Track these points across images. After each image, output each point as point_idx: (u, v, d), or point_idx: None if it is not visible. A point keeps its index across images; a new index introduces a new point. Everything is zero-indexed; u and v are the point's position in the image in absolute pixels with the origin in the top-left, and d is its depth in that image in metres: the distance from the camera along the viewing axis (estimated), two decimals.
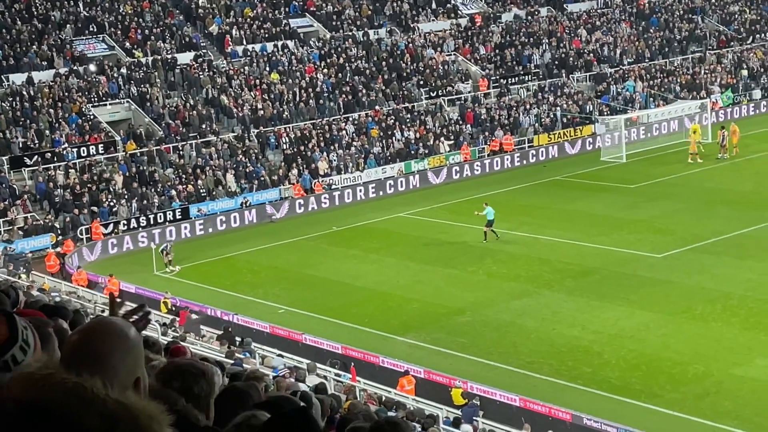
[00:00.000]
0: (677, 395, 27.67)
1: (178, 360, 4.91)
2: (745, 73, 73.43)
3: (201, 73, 59.51)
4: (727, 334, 31.69)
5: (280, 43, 64.00)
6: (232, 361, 21.38)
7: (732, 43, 77.79)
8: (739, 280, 36.44)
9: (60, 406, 2.67)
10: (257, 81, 60.14)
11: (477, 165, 58.77)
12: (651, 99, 68.20)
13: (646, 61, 72.98)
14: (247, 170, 53.41)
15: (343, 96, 60.80)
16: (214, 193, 51.64)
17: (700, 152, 56.68)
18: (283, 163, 54.86)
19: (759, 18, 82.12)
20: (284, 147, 56.03)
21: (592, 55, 71.65)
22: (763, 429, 25.37)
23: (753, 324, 32.31)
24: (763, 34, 79.88)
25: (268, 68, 61.52)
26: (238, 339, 30.36)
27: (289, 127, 57.35)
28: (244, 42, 63.49)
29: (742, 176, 52.75)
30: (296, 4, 68.11)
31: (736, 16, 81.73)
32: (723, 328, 32.16)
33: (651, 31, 76.57)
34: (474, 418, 24.99)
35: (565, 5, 77.59)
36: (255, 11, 66.16)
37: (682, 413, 26.54)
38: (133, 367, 3.13)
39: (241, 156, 54.32)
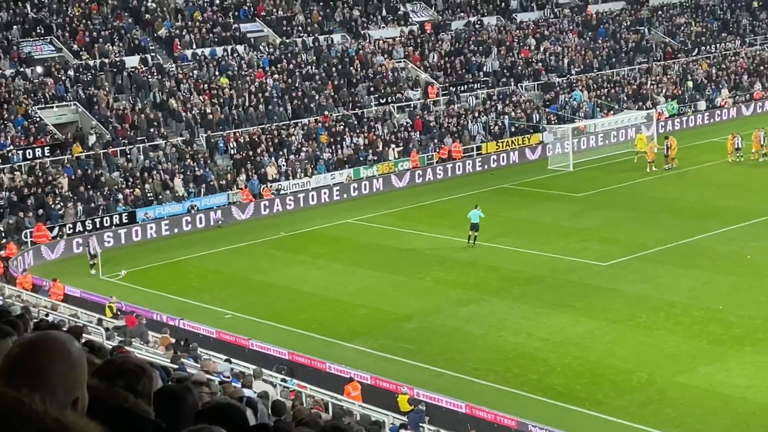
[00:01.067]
0: (621, 402, 27.93)
1: (117, 358, 4.89)
2: (690, 84, 74.34)
3: (149, 76, 59.14)
4: (671, 342, 32.04)
5: (229, 48, 63.79)
6: (176, 366, 21.27)
7: (678, 55, 78.72)
8: (683, 289, 36.87)
9: None
10: (206, 85, 59.89)
11: (426, 172, 58.93)
12: (598, 109, 68.82)
13: (594, 71, 73.65)
14: (196, 174, 53.15)
15: (293, 101, 60.72)
16: (161, 197, 51.33)
17: (641, 161, 57.31)
18: (231, 168, 54.67)
19: (704, 30, 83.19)
20: (233, 152, 55.83)
21: (540, 64, 72.17)
22: None
23: (696, 332, 32.70)
24: (708, 47, 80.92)
25: (217, 72, 61.29)
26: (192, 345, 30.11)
27: (238, 132, 57.17)
28: (194, 46, 63.21)
29: (687, 186, 53.39)
30: (246, 9, 67.93)
31: (682, 28, 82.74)
32: (667, 336, 32.51)
33: (598, 41, 77.29)
34: (420, 424, 25.06)
35: (514, 15, 78.09)
36: (205, 15, 65.90)
37: (626, 420, 26.79)
38: (72, 385, 3.09)
39: (189, 160, 54.04)
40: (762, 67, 78.90)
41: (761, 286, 36.72)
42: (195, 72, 60.80)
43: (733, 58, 79.68)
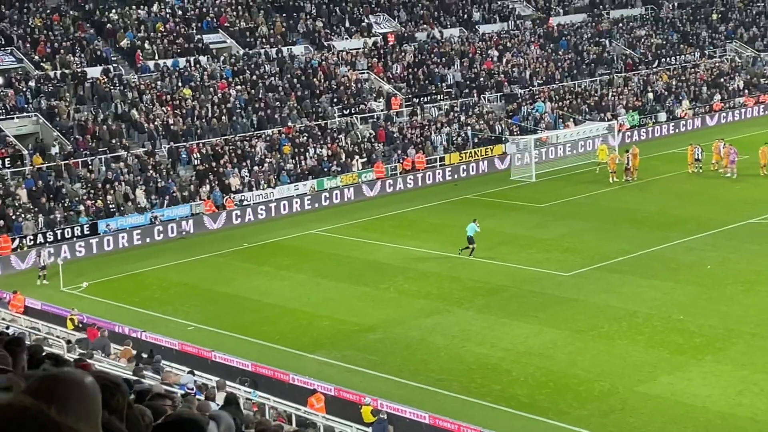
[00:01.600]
0: (584, 412, 28.07)
1: (92, 373, 4.88)
2: (651, 96, 74.98)
3: (111, 87, 58.87)
4: (633, 351, 32.25)
5: (192, 59, 63.62)
6: (136, 378, 21.16)
7: (639, 67, 79.38)
8: (645, 299, 37.13)
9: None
10: (169, 96, 59.69)
11: (389, 183, 59.03)
12: (560, 120, 69.23)
13: (556, 82, 74.11)
14: (158, 186, 52.93)
15: (256, 112, 60.65)
16: (123, 208, 51.07)
17: (603, 172, 57.76)
18: (194, 179, 54.50)
19: (664, 43, 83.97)
20: (196, 163, 55.67)
21: (503, 75, 72.53)
22: None
23: (657, 342, 32.93)
24: (668, 59, 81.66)
25: (180, 83, 61.10)
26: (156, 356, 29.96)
27: (201, 143, 57.01)
28: (156, 57, 62.99)
29: (648, 197, 53.79)
30: (209, 20, 67.80)
31: (643, 40, 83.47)
32: (628, 346, 32.72)
33: (560, 53, 77.80)
34: None
35: (476, 26, 78.46)
36: (167, 26, 65.70)
37: (589, 430, 26.91)
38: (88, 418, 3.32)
39: (151, 171, 53.81)
40: (721, 79, 79.72)
41: (721, 296, 37.07)
42: (157, 83, 60.59)
43: (692, 69, 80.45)
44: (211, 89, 61.35)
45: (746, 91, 79.46)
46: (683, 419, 27.23)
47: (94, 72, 59.85)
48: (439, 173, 61.11)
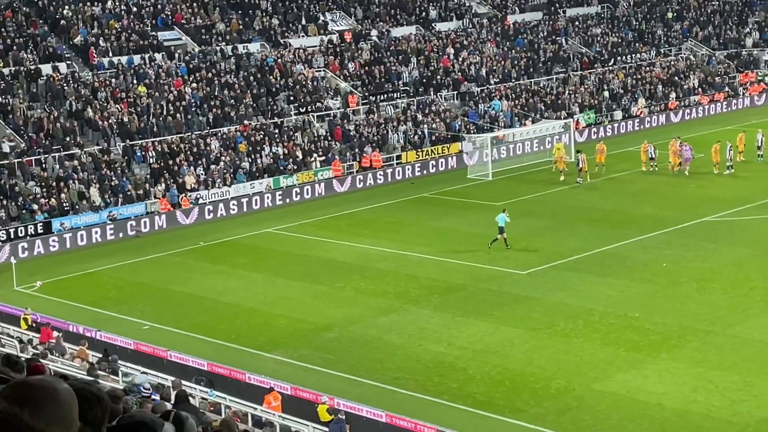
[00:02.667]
0: (540, 410, 28.14)
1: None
2: (606, 94, 75.40)
3: (65, 84, 58.28)
4: (589, 349, 32.39)
5: (147, 56, 63.14)
6: (92, 379, 20.93)
7: (594, 65, 79.79)
8: (600, 297, 37.31)
9: None
10: (124, 94, 59.18)
11: (346, 181, 58.92)
12: (516, 118, 69.42)
13: (512, 80, 74.31)
14: (113, 184, 52.48)
15: (212, 110, 60.29)
16: (77, 207, 50.57)
17: (564, 171, 58.04)
18: (149, 177, 54.09)
19: (620, 41, 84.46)
20: (151, 161, 55.25)
21: (459, 73, 72.62)
22: None
23: (613, 339, 33.09)
24: (624, 57, 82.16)
25: (135, 81, 60.61)
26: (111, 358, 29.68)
27: (156, 141, 56.57)
28: (111, 54, 62.43)
29: (604, 195, 54.07)
30: (164, 17, 67.31)
31: (599, 38, 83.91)
32: (584, 344, 32.86)
33: (516, 51, 78.02)
34: None
35: (433, 24, 78.49)
36: (121, 23, 65.13)
37: (545, 428, 27.00)
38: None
39: (106, 169, 53.34)
40: (677, 77, 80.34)
41: (676, 294, 37.33)
42: (112, 80, 60.06)
43: (648, 68, 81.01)
44: (167, 87, 60.90)
45: (701, 89, 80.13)
46: (639, 416, 27.37)
47: (48, 69, 59.23)
48: (395, 172, 61.07)
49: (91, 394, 4.21)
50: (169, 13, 67.73)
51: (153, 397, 20.07)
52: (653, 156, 58.58)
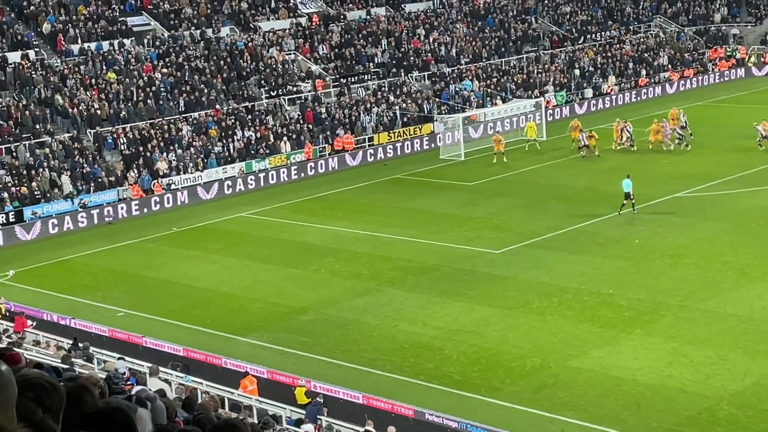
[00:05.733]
0: (516, 388, 28.29)
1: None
2: (577, 72, 75.56)
3: (34, 72, 57.85)
4: (563, 327, 32.55)
5: (116, 42, 62.74)
6: (67, 366, 20.87)
7: (565, 44, 79.91)
8: (574, 274, 37.47)
9: None
10: (93, 80, 58.80)
11: (318, 164, 58.85)
12: (488, 98, 69.48)
13: (483, 60, 74.34)
14: (84, 171, 52.20)
15: (183, 95, 60.01)
16: (49, 195, 50.29)
17: (532, 149, 58.23)
18: (121, 164, 53.83)
19: (590, 19, 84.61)
20: (122, 147, 54.98)
21: (430, 54, 72.57)
22: (598, 418, 26.15)
23: (587, 317, 33.27)
24: (594, 35, 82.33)
25: (104, 67, 60.22)
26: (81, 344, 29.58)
27: (127, 127, 56.27)
28: (79, 40, 61.98)
29: (575, 173, 54.25)
30: (132, 2, 66.86)
31: (568, 17, 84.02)
32: (559, 322, 33.02)
33: (486, 31, 78.02)
34: (318, 416, 25.02)
35: (402, 5, 78.36)
36: (89, 9, 64.64)
37: (521, 406, 27.16)
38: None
39: (77, 157, 53.05)
40: (646, 54, 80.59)
41: (649, 270, 37.54)
42: (81, 67, 59.65)
43: (618, 45, 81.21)
44: (136, 73, 60.56)
45: (671, 66, 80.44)
46: (614, 392, 27.56)
47: (16, 57, 58.77)
48: (368, 153, 61.05)
49: (46, 382, 4.23)
50: None
51: (130, 383, 20.04)
52: (685, 125, 59.21)
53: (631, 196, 44.90)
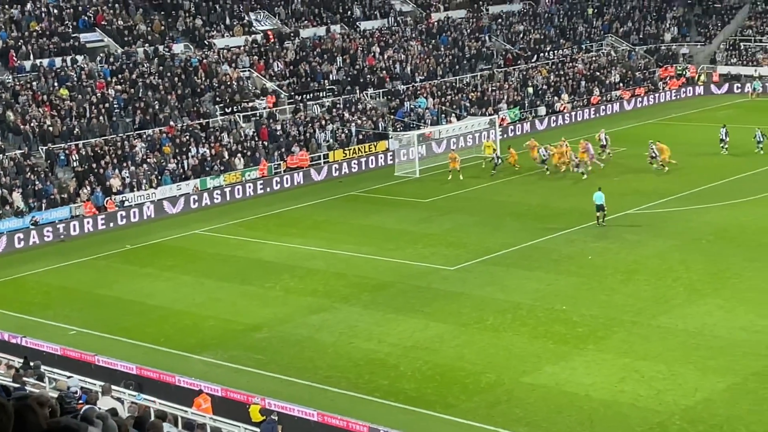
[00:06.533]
0: (471, 404, 28.35)
1: None
2: (530, 90, 76.09)
3: None
4: (517, 343, 32.69)
5: (69, 58, 62.33)
6: (17, 385, 20.66)
7: (518, 62, 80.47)
8: (528, 291, 37.66)
9: None
10: (46, 97, 58.37)
11: (273, 181, 58.75)
12: (443, 115, 69.77)
13: (437, 78, 74.67)
14: (36, 188, 51.75)
15: (137, 112, 59.70)
16: (0, 212, 49.79)
17: (489, 166, 58.44)
18: (74, 181, 53.41)
19: (543, 38, 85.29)
20: (75, 164, 54.57)
21: (385, 72, 72.78)
22: None
23: (541, 333, 33.43)
24: (546, 53, 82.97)
25: (56, 83, 59.79)
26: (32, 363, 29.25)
27: (80, 144, 55.87)
28: (32, 57, 61.50)
29: (529, 190, 54.56)
30: (86, 18, 66.48)
31: (521, 35, 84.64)
32: (513, 338, 33.16)
33: (441, 49, 78.40)
34: None
35: (357, 23, 78.57)
36: (41, 25, 64.20)
37: (476, 422, 27.21)
38: None
39: (29, 174, 52.59)
40: (598, 73, 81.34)
41: (602, 286, 37.83)
42: (33, 83, 59.17)
43: (570, 64, 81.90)
44: (89, 89, 60.20)
45: (622, 84, 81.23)
46: (568, 408, 27.70)
47: None
48: (323, 171, 61.04)
49: None
50: (91, 14, 66.91)
51: (81, 402, 19.86)
52: (605, 143, 59.59)
53: (604, 209, 45.51)
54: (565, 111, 75.47)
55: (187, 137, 59.13)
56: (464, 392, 29.22)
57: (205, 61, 66.37)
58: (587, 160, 56.97)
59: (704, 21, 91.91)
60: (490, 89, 74.57)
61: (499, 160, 58.14)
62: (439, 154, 63.98)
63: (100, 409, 16.65)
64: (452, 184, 56.31)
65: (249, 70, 68.08)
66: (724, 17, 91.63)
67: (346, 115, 66.22)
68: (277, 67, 69.39)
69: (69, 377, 26.07)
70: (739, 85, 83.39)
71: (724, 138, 60.08)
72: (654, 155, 56.49)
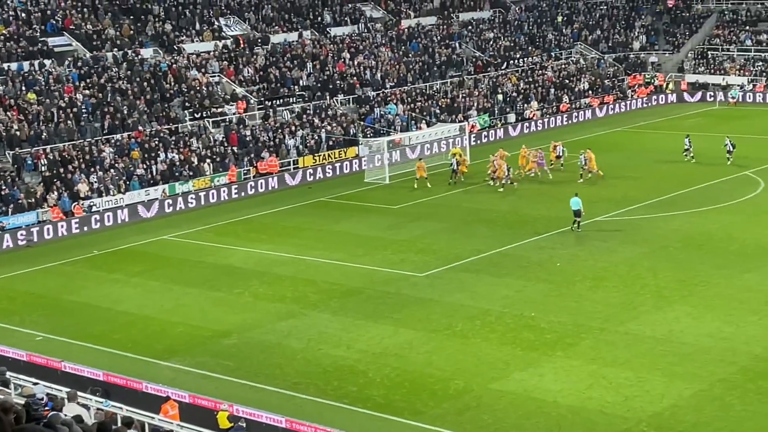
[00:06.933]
0: (439, 411, 28.34)
1: None
2: (500, 97, 76.30)
3: None
4: (486, 349, 32.73)
5: (37, 62, 61.94)
6: None
7: (488, 69, 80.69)
8: (497, 297, 37.73)
9: None
10: (13, 101, 57.96)
11: (242, 187, 58.59)
12: (413, 121, 69.84)
13: (408, 84, 74.75)
14: (2, 193, 51.34)
15: (105, 117, 59.38)
16: None
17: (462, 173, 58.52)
18: (41, 186, 53.04)
19: (513, 45, 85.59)
20: (42, 169, 54.21)
21: (355, 78, 72.78)
22: None
23: (510, 339, 33.50)
24: (516, 61, 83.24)
25: (24, 87, 59.41)
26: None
27: (47, 149, 55.52)
28: None
29: (499, 197, 54.67)
30: (54, 22, 66.13)
31: (491, 42, 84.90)
32: (482, 344, 33.19)
33: (411, 55, 78.52)
34: None
35: (328, 29, 78.56)
36: (9, 29, 63.79)
37: (444, 428, 27.19)
38: None
39: None
40: (568, 80, 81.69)
41: (570, 293, 37.94)
42: (1, 87, 58.76)
43: (540, 71, 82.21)
44: (57, 93, 59.84)
45: (591, 92, 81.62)
46: (536, 414, 27.76)
47: None
48: (293, 176, 60.95)
49: None
50: (59, 18, 66.58)
51: (48, 408, 19.70)
52: (560, 154, 59.72)
53: (581, 214, 45.90)
54: (534, 118, 75.71)
55: (156, 142, 58.89)
56: (433, 399, 29.21)
57: (174, 66, 66.14)
58: (537, 171, 57.53)
59: (672, 30, 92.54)
60: (460, 96, 74.72)
61: (456, 167, 57.83)
62: (411, 160, 63.94)
63: (66, 415, 16.54)
64: (422, 191, 56.35)
65: (219, 76, 67.90)
66: (692, 26, 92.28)
67: (316, 121, 66.15)
68: (247, 72, 69.25)
69: (35, 384, 25.86)
70: (712, 93, 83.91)
71: (688, 147, 60.49)
72: (583, 164, 56.98)
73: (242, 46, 71.74)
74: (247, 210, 54.42)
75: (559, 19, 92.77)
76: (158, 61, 66.34)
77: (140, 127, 59.62)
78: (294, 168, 61.66)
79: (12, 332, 36.50)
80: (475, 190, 56.52)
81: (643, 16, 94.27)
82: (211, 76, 67.18)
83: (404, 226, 49.30)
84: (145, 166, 56.71)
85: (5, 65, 60.66)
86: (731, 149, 59.01)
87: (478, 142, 69.74)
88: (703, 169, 58.32)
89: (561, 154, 60.14)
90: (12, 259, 46.83)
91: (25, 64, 61.39)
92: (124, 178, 55.29)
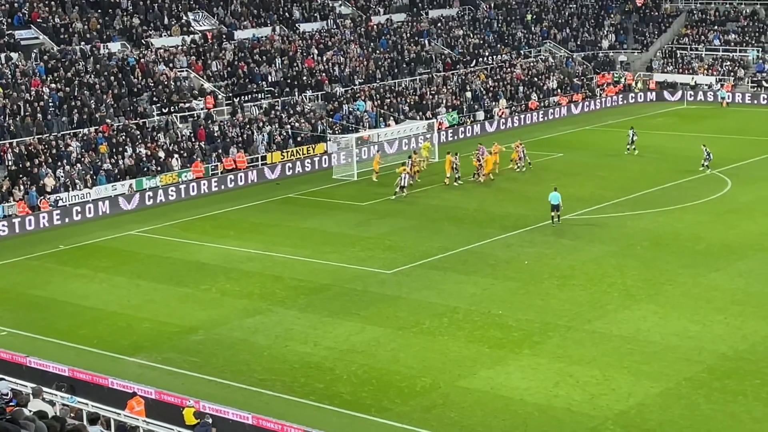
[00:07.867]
0: (406, 408, 28.36)
1: None
2: (469, 95, 76.40)
3: None
4: (453, 347, 32.77)
5: (3, 55, 61.41)
6: None
7: (457, 66, 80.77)
8: (465, 295, 37.78)
9: None
10: None
11: (210, 182, 58.37)
12: (381, 119, 69.81)
13: (377, 81, 74.71)
14: None
15: (72, 111, 58.95)
16: None
17: (429, 169, 58.52)
18: (7, 180, 52.60)
19: (482, 42, 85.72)
20: (8, 163, 53.76)
21: (323, 74, 72.65)
22: None
23: (477, 337, 33.55)
24: (485, 58, 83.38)
25: None
26: None
27: (13, 143, 55.07)
28: None
29: (467, 195, 54.76)
30: (21, 15, 65.58)
31: (461, 40, 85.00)
32: (449, 342, 33.23)
33: (380, 52, 78.46)
34: None
35: (296, 25, 78.37)
36: None
37: (411, 426, 27.23)
38: None
39: None
40: (536, 78, 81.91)
41: (538, 291, 38.05)
42: None
43: (509, 69, 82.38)
44: (24, 87, 59.36)
45: (560, 90, 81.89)
46: (502, 412, 27.82)
47: None
48: (260, 173, 60.78)
49: None
50: (26, 11, 66.04)
51: (12, 404, 19.55)
52: (522, 156, 59.63)
53: (560, 208, 46.51)
54: (503, 116, 75.86)
55: (123, 137, 58.54)
56: (400, 396, 29.22)
57: (142, 60, 65.77)
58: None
59: (641, 29, 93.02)
60: (428, 93, 74.75)
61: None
62: (383, 156, 63.87)
63: (30, 411, 16.41)
64: (390, 188, 56.30)
65: (187, 71, 67.58)
66: (660, 25, 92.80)
67: (285, 117, 65.99)
68: (215, 67, 68.98)
69: (0, 379, 25.63)
70: (682, 92, 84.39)
71: (632, 139, 61.57)
72: (521, 155, 58.58)
73: (210, 41, 71.44)
74: (215, 206, 54.21)
75: (529, 17, 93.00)
76: (126, 55, 65.94)
77: (107, 122, 59.24)
78: (262, 164, 61.47)
79: None
80: (444, 188, 56.53)
81: (612, 15, 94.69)
82: (179, 71, 66.85)
83: (372, 223, 49.28)
84: (112, 161, 56.37)
85: None
86: (708, 157, 57.21)
87: (446, 139, 69.75)
88: (672, 168, 58.65)
89: (522, 154, 59.93)
90: None
91: None
92: (91, 172, 54.93)
